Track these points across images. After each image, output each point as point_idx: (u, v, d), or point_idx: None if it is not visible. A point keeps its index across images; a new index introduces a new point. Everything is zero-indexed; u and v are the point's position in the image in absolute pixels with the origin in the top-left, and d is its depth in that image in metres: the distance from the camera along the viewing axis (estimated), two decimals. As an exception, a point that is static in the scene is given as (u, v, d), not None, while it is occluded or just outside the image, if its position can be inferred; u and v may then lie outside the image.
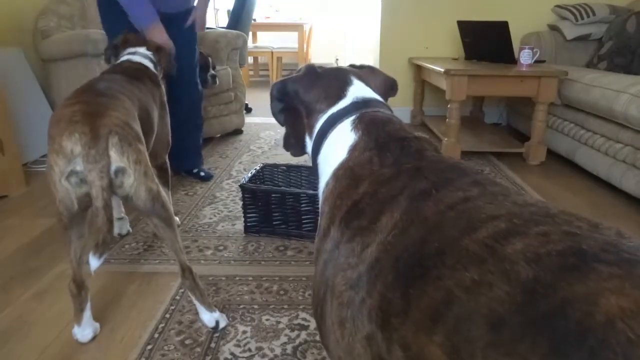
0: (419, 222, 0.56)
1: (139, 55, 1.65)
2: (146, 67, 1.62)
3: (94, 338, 1.22)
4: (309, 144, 0.84)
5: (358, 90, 0.82)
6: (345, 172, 0.70)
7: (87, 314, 1.21)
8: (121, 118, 1.14)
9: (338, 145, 0.75)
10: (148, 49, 1.69)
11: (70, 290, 1.18)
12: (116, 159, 1.08)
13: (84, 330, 1.21)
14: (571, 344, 0.38)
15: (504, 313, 0.43)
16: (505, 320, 0.43)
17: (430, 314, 0.49)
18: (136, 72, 1.55)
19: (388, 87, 0.92)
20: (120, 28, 1.78)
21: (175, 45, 1.94)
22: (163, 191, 1.20)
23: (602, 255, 0.42)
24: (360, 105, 0.79)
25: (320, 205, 0.76)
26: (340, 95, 0.81)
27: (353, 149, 0.72)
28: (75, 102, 1.15)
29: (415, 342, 0.51)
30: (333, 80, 0.84)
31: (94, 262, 1.05)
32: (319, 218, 0.74)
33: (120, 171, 1.09)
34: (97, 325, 1.26)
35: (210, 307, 1.26)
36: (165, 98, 1.71)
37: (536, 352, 0.39)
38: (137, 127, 1.22)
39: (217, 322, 1.25)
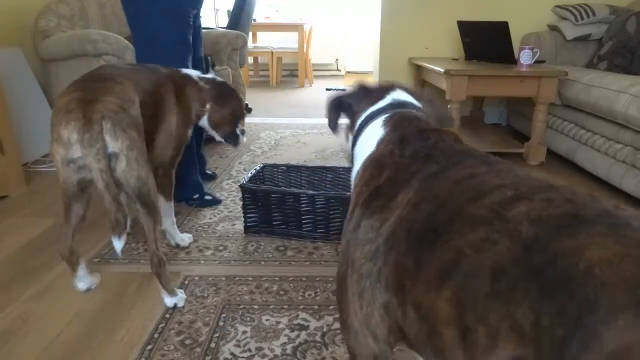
0: (430, 197, 0.63)
1: (191, 70, 1.69)
2: (188, 77, 1.63)
3: (88, 289, 1.42)
4: (350, 139, 0.94)
5: (397, 95, 0.91)
6: (371, 163, 0.79)
7: (82, 271, 1.39)
8: (115, 102, 1.17)
9: (369, 140, 0.84)
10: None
11: (61, 255, 1.35)
12: (110, 144, 1.13)
13: (80, 282, 1.40)
14: (556, 288, 0.45)
15: (505, 265, 0.50)
16: (505, 271, 0.50)
17: (439, 272, 0.56)
18: (172, 75, 1.56)
19: (442, 116, 0.99)
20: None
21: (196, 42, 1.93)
22: (152, 178, 1.24)
23: (595, 219, 0.48)
24: (395, 106, 0.87)
25: (351, 193, 0.85)
26: (380, 98, 0.91)
27: (380, 143, 0.81)
28: (73, 89, 1.21)
29: (425, 300, 0.57)
30: (378, 89, 0.94)
31: (117, 244, 1.16)
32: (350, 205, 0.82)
33: (113, 156, 1.14)
34: (95, 279, 1.45)
35: (171, 293, 1.34)
36: (199, 116, 1.67)
37: (528, 296, 0.47)
38: (135, 111, 1.23)
39: (175, 305, 1.34)
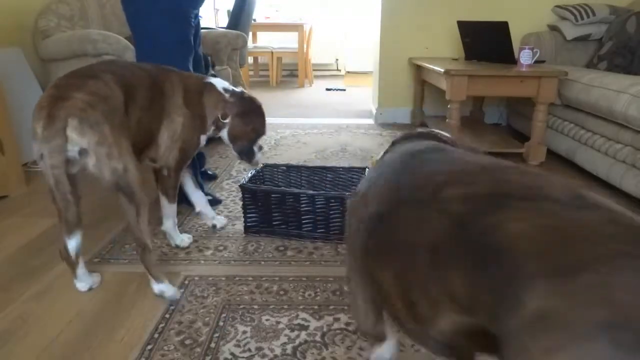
0: (388, 187, 0.74)
1: (218, 79, 1.67)
2: (210, 85, 1.63)
3: (91, 288, 1.43)
4: None
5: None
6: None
7: (81, 270, 1.41)
8: (83, 99, 1.18)
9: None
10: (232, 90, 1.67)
11: (60, 253, 1.37)
12: (78, 141, 1.16)
13: (80, 282, 1.42)
14: (485, 260, 0.51)
15: (438, 239, 0.58)
16: (438, 244, 0.58)
17: (385, 253, 0.67)
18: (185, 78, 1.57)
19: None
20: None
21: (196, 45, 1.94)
22: (132, 170, 1.25)
23: (521, 196, 0.54)
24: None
25: None
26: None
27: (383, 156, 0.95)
28: (51, 86, 1.24)
29: (380, 278, 0.69)
30: None
31: (69, 243, 1.23)
32: None
33: (82, 152, 1.18)
34: (96, 279, 1.45)
35: (157, 279, 1.36)
36: (218, 127, 1.66)
37: (461, 265, 0.54)
38: (109, 106, 1.23)
39: (162, 292, 1.36)
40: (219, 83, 1.67)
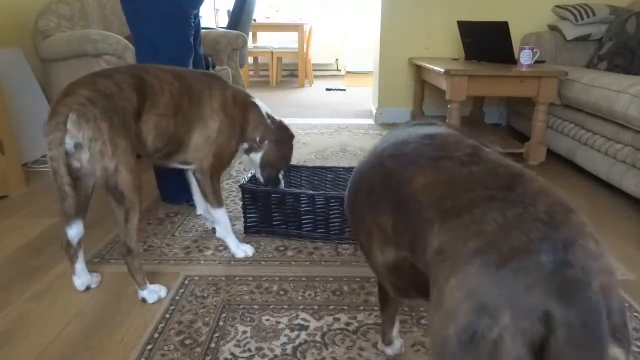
0: (373, 149, 0.91)
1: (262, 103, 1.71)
2: (254, 105, 1.67)
3: (88, 288, 1.43)
4: None
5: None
6: None
7: (80, 265, 1.41)
8: (86, 95, 1.21)
9: None
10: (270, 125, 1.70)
11: (62, 244, 1.37)
12: (74, 134, 1.18)
13: (78, 280, 1.42)
14: (402, 204, 0.70)
15: (374, 185, 0.79)
16: (374, 189, 0.79)
17: (352, 196, 0.90)
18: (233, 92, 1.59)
19: None
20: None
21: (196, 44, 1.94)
22: (123, 171, 1.25)
23: (430, 157, 0.72)
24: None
25: None
26: None
27: None
28: (69, 83, 1.28)
29: (354, 219, 0.90)
30: None
31: (68, 232, 1.26)
32: None
33: (77, 146, 1.20)
34: (94, 278, 1.45)
35: (140, 285, 1.36)
36: (252, 148, 1.70)
37: (387, 206, 0.74)
38: (110, 104, 1.24)
39: (144, 299, 1.37)
40: (263, 107, 1.70)
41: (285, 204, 1.73)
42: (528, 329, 0.48)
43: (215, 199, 1.59)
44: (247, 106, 1.64)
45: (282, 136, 1.73)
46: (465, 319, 0.51)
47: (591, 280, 0.50)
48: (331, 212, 1.70)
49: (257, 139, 1.67)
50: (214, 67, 2.67)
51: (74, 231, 1.31)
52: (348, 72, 6.96)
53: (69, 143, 1.19)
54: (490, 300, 0.50)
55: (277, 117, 1.74)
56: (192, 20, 1.85)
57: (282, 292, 1.42)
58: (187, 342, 1.20)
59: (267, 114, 1.70)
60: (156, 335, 1.23)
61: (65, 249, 1.39)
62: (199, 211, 1.79)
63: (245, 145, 1.69)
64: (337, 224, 1.71)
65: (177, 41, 1.81)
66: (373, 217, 0.78)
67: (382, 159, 0.80)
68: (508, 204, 0.57)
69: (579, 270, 0.50)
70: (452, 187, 0.63)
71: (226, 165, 1.64)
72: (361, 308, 1.34)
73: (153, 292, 1.38)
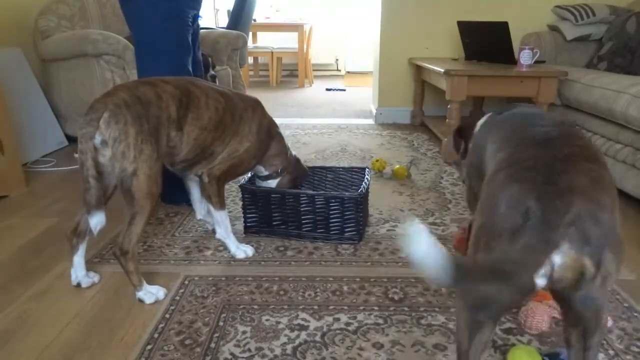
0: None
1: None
2: (281, 136, 1.75)
3: (78, 285, 1.44)
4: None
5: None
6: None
7: (78, 259, 1.43)
8: (123, 98, 1.27)
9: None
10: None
11: (66, 233, 1.41)
12: (103, 131, 1.24)
13: (73, 273, 1.44)
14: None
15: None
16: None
17: None
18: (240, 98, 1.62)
19: None
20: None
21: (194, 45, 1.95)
22: (142, 176, 1.28)
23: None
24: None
25: None
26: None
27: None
28: (115, 85, 1.37)
29: None
30: None
31: (90, 221, 1.27)
32: None
33: (102, 143, 1.24)
34: (89, 278, 1.45)
35: (136, 286, 1.37)
36: (269, 175, 1.76)
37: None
38: (145, 111, 1.29)
39: (142, 299, 1.37)
40: (285, 139, 1.78)
41: (285, 204, 1.73)
42: (513, 216, 0.74)
43: (219, 201, 1.60)
44: (275, 136, 1.72)
45: (299, 172, 1.83)
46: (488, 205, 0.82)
47: (569, 197, 0.72)
48: (331, 212, 1.70)
49: (279, 170, 1.76)
50: (214, 67, 2.67)
51: (96, 220, 1.28)
52: (348, 72, 6.96)
53: (97, 139, 1.24)
54: (499, 196, 0.79)
55: (294, 153, 1.83)
56: (190, 20, 1.85)
57: (282, 292, 1.42)
58: (187, 342, 1.20)
59: (289, 148, 1.79)
60: (156, 335, 1.23)
61: (68, 238, 1.41)
62: (199, 216, 1.79)
63: (265, 172, 1.75)
64: (337, 224, 1.71)
65: (177, 41, 1.81)
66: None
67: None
68: (543, 148, 0.83)
69: (561, 189, 0.73)
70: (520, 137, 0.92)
71: (235, 177, 1.67)
72: (361, 308, 1.34)
73: (150, 293, 1.38)
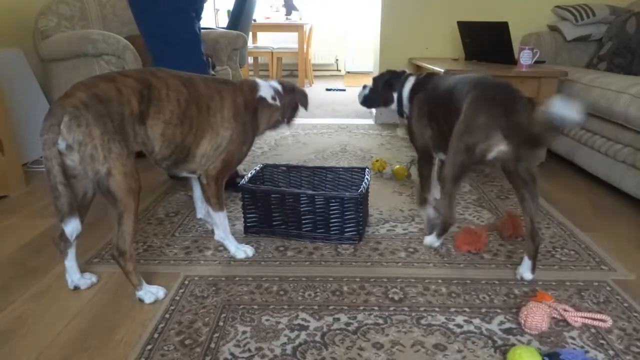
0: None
1: (266, 85, 1.67)
2: (262, 100, 1.64)
3: (76, 288, 1.44)
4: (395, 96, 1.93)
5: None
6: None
7: (69, 263, 1.42)
8: (81, 98, 1.21)
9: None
10: (281, 85, 1.70)
11: (53, 239, 1.40)
12: (65, 136, 1.19)
13: (69, 278, 1.44)
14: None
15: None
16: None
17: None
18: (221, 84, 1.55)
19: None
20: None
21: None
22: (117, 175, 1.24)
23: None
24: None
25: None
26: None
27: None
28: (73, 84, 1.29)
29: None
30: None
31: (65, 228, 1.23)
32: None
33: (67, 148, 1.20)
34: (87, 280, 1.45)
35: (136, 286, 1.37)
36: (256, 132, 1.67)
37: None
38: (106, 109, 1.22)
39: (141, 299, 1.37)
40: (270, 88, 1.67)
41: (285, 204, 1.73)
42: (479, 142, 1.36)
43: (217, 202, 1.58)
44: (257, 105, 1.62)
45: (295, 98, 1.74)
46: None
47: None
48: (331, 212, 1.70)
49: (273, 124, 1.71)
50: (214, 67, 2.67)
51: (70, 228, 1.26)
52: (348, 72, 6.95)
53: (61, 144, 1.20)
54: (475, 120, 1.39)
55: (278, 85, 1.71)
56: (194, 14, 1.89)
57: (282, 292, 1.42)
58: (187, 342, 1.20)
59: (273, 96, 1.67)
60: (156, 335, 1.23)
61: (56, 244, 1.40)
62: (199, 215, 1.79)
63: (273, 130, 1.75)
64: (337, 224, 1.71)
65: (190, 32, 1.84)
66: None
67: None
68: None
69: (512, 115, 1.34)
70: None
71: (233, 169, 1.63)
72: (361, 308, 1.34)
73: (150, 293, 1.38)
